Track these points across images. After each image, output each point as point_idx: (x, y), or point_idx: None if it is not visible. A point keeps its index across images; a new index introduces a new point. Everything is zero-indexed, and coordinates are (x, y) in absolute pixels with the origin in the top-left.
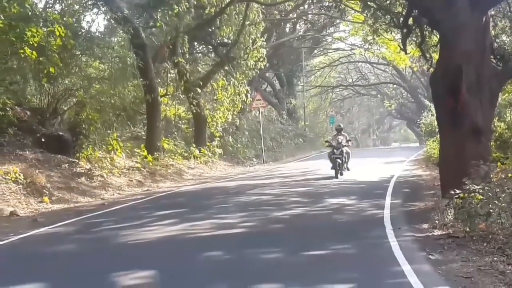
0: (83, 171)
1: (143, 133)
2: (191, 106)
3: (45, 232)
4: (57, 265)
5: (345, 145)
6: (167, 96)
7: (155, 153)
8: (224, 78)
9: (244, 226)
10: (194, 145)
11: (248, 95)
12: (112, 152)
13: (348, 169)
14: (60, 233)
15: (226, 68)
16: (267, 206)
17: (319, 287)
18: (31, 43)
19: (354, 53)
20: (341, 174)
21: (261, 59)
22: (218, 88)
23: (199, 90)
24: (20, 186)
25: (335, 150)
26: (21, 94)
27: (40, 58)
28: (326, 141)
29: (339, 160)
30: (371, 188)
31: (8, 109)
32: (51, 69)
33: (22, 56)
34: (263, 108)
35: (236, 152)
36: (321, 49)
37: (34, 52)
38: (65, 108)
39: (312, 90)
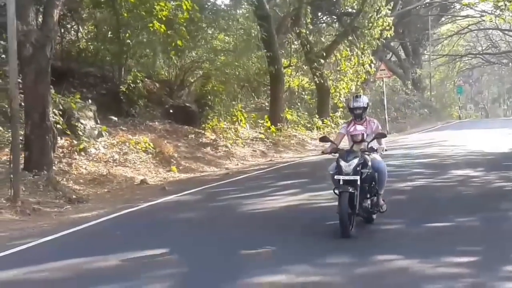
0: (208, 141)
1: (266, 104)
2: (315, 77)
3: (173, 200)
4: (183, 231)
5: (370, 149)
6: (290, 67)
7: (279, 124)
8: (348, 49)
9: None
10: (317, 116)
11: (372, 65)
12: (237, 123)
13: (382, 209)
14: (186, 201)
15: (350, 38)
16: (388, 177)
17: (441, 259)
18: (159, 17)
19: (484, 20)
20: (370, 222)
21: (387, 28)
22: (342, 59)
23: (322, 61)
24: (150, 155)
25: (343, 165)
26: (151, 67)
27: (169, 32)
28: (323, 138)
29: (351, 190)
30: (499, 159)
31: (138, 81)
32: (179, 42)
33: (152, 29)
34: (387, 78)
35: None
36: (449, 16)
37: (162, 26)
38: (192, 80)
39: (438, 59)
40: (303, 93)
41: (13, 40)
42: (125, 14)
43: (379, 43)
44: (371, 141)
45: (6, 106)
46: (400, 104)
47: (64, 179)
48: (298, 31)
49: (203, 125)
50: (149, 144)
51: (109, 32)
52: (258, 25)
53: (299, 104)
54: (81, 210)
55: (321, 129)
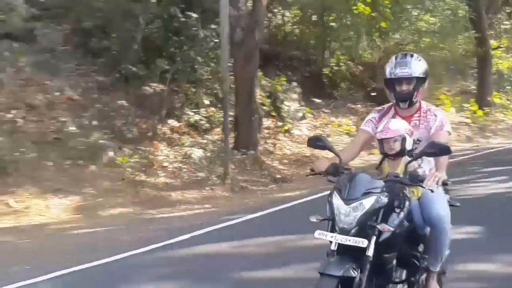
0: None
1: (473, 87)
2: None
3: None
4: None
5: (412, 178)
6: (500, 49)
7: (486, 108)
8: None
9: None
10: None
11: None
12: (440, 106)
13: None
14: None
15: None
16: None
17: None
18: None
19: None
20: None
21: None
22: None
23: None
24: (352, 138)
25: (338, 209)
26: (354, 50)
27: (373, 14)
28: (314, 139)
29: (344, 272)
30: None
31: (341, 64)
32: (383, 24)
33: (356, 12)
34: None
35: None
36: None
37: (367, 8)
38: None
39: None
40: None
41: (225, 25)
42: None
43: None
44: (416, 158)
45: (218, 88)
46: None
47: (269, 159)
48: (509, 10)
49: None
50: (351, 127)
51: (313, 16)
52: (467, 5)
53: (509, 87)
54: (285, 189)
55: None
